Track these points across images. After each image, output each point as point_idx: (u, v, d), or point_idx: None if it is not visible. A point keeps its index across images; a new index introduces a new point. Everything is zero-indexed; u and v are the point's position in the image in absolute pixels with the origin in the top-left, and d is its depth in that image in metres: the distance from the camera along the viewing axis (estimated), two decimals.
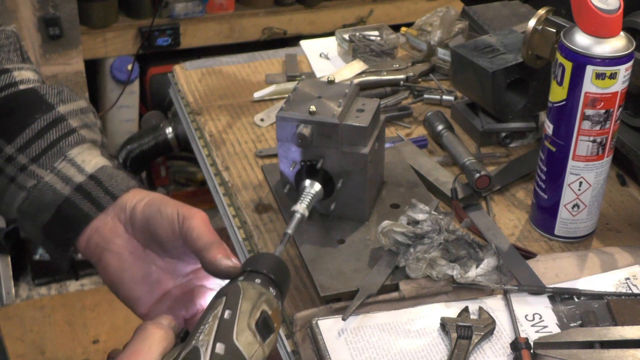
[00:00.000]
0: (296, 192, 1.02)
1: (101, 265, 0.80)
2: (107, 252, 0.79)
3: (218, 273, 0.75)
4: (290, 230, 0.89)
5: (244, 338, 0.67)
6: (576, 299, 0.95)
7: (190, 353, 0.65)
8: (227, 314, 0.68)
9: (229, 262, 0.75)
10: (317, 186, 1.00)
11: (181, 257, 0.81)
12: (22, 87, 0.83)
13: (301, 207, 0.94)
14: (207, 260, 0.75)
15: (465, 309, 0.92)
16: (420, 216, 0.97)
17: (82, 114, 0.85)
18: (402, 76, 1.43)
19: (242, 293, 0.70)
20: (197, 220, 0.77)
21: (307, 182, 1.00)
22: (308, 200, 0.97)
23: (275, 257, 0.78)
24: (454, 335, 0.89)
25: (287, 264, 1.00)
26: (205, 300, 0.81)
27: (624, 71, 0.93)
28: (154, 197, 0.80)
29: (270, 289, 0.73)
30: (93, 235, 0.80)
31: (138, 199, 0.80)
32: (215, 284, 0.81)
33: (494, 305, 0.94)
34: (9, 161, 0.80)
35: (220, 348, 0.65)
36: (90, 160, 0.81)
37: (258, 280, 0.73)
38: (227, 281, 0.75)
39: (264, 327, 0.69)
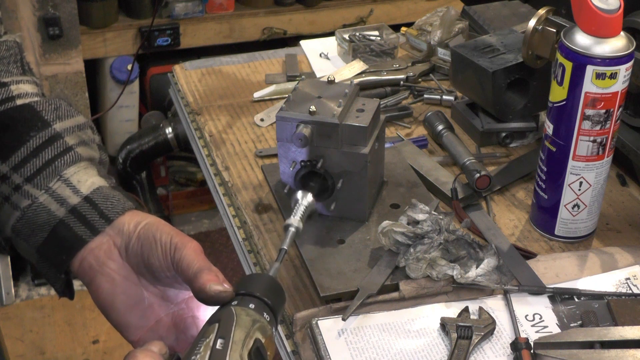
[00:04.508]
0: (296, 192, 1.01)
1: (93, 287, 0.78)
2: (100, 275, 0.77)
3: (208, 300, 0.72)
4: (285, 246, 0.87)
5: None
6: (576, 299, 0.95)
7: None
8: (219, 343, 0.66)
9: (220, 287, 0.72)
10: (310, 197, 0.98)
11: (173, 285, 0.79)
12: (19, 102, 0.81)
13: (295, 221, 0.92)
14: (197, 288, 0.72)
15: (466, 309, 0.92)
16: (420, 216, 0.97)
17: (80, 130, 0.82)
18: (402, 76, 1.43)
19: (235, 320, 0.68)
20: (188, 249, 0.74)
21: (299, 193, 0.98)
22: (301, 212, 0.95)
23: (269, 278, 0.75)
24: (454, 335, 0.89)
25: (287, 264, 0.99)
26: (196, 332, 0.77)
27: (624, 71, 0.93)
28: (150, 222, 0.77)
29: (265, 314, 0.71)
30: (87, 256, 0.78)
31: (134, 223, 0.78)
32: (207, 315, 0.75)
33: (494, 305, 0.94)
34: (3, 180, 0.78)
35: None
36: (86, 180, 0.79)
37: (252, 305, 0.70)
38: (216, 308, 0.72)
39: (257, 357, 0.67)
